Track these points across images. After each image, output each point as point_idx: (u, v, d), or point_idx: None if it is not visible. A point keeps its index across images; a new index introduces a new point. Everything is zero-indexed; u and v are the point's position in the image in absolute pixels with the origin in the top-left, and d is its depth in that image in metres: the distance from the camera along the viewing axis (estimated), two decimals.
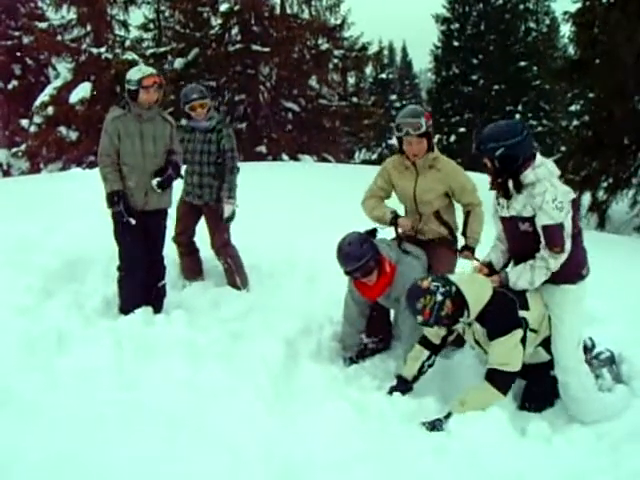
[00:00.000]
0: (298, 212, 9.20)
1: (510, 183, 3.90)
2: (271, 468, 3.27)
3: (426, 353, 4.29)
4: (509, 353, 3.84)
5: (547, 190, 3.77)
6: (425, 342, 4.31)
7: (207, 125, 5.81)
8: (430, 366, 4.31)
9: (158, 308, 5.33)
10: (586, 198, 14.97)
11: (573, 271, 3.98)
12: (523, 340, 3.88)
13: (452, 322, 4.00)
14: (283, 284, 6.01)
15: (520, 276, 3.93)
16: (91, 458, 3.23)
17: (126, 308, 5.14)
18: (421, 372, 4.29)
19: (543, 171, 3.85)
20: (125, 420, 3.57)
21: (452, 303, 3.92)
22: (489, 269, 4.21)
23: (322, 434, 3.58)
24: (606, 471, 3.37)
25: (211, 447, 3.39)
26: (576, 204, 4.00)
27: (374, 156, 35.26)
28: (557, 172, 3.93)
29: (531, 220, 3.87)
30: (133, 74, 5.15)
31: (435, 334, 4.28)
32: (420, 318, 3.95)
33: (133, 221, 5.08)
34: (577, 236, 3.96)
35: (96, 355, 4.30)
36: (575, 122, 17.59)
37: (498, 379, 3.83)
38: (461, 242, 4.85)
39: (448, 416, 3.83)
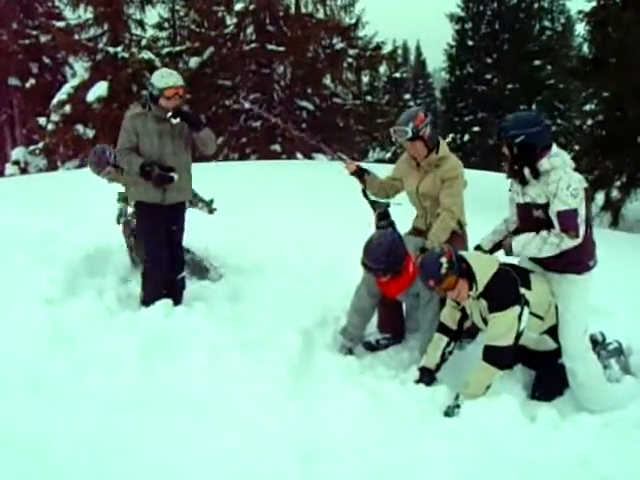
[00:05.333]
0: (313, 208, 9.32)
1: (526, 170, 4.02)
2: (291, 450, 3.40)
3: (445, 339, 4.39)
4: (502, 328, 3.99)
5: (561, 178, 3.90)
6: (443, 328, 4.42)
7: None
8: (450, 353, 4.42)
9: (178, 300, 5.42)
10: (600, 197, 14.97)
11: (581, 261, 4.10)
12: (521, 317, 4.01)
13: (468, 284, 4.11)
14: (300, 277, 6.12)
15: (530, 242, 4.03)
16: (118, 441, 3.37)
17: (148, 300, 5.25)
18: (443, 360, 4.40)
19: (558, 161, 3.98)
20: (149, 405, 3.71)
21: (461, 277, 4.08)
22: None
23: (339, 419, 3.72)
24: (612, 457, 3.46)
25: (233, 431, 3.52)
26: (588, 194, 4.11)
27: (388, 155, 35.25)
28: (571, 163, 4.06)
29: (544, 207, 3.99)
30: (157, 80, 5.13)
31: (451, 318, 4.40)
32: (444, 259, 4.02)
33: (176, 176, 5.14)
34: (586, 228, 4.06)
35: (119, 345, 4.39)
36: (589, 121, 17.54)
37: (491, 354, 4.00)
38: (471, 239, 4.92)
39: (457, 398, 3.98)
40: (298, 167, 16.46)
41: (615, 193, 14.84)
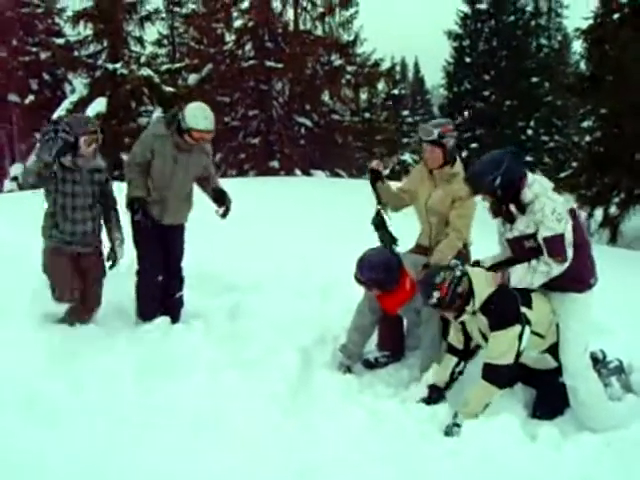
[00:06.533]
0: (311, 225, 9.31)
1: (512, 207, 4.06)
2: (289, 469, 3.38)
3: (454, 359, 4.38)
4: (503, 347, 3.97)
5: (545, 204, 3.94)
6: (451, 349, 4.41)
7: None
8: (460, 373, 4.40)
9: (176, 318, 5.40)
10: (598, 213, 15.00)
11: (582, 279, 4.11)
12: (521, 337, 3.98)
13: (462, 305, 4.08)
14: (299, 294, 6.09)
15: (522, 278, 4.04)
16: (115, 461, 3.34)
17: (145, 311, 5.25)
18: (452, 379, 4.38)
19: (538, 187, 4.02)
20: (146, 424, 3.69)
21: (453, 304, 4.08)
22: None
23: (338, 437, 3.69)
24: (614, 476, 3.44)
25: (231, 450, 3.51)
26: (574, 213, 4.16)
27: (386, 172, 35.36)
28: (550, 185, 4.10)
29: (535, 236, 4.02)
30: (190, 118, 5.02)
31: (457, 339, 4.38)
32: (437, 294, 4.03)
33: (149, 224, 5.15)
34: (584, 246, 4.10)
35: (117, 363, 4.38)
36: (587, 138, 17.63)
37: (490, 373, 3.98)
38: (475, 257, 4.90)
39: (455, 416, 3.95)
40: (297, 183, 16.47)
41: (613, 209, 14.87)
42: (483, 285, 4.09)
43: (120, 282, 5.71)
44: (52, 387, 3.97)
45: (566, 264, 3.95)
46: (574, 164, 18.03)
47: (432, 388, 4.34)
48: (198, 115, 5.07)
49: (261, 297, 5.95)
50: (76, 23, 20.62)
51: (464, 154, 32.24)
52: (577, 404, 4.09)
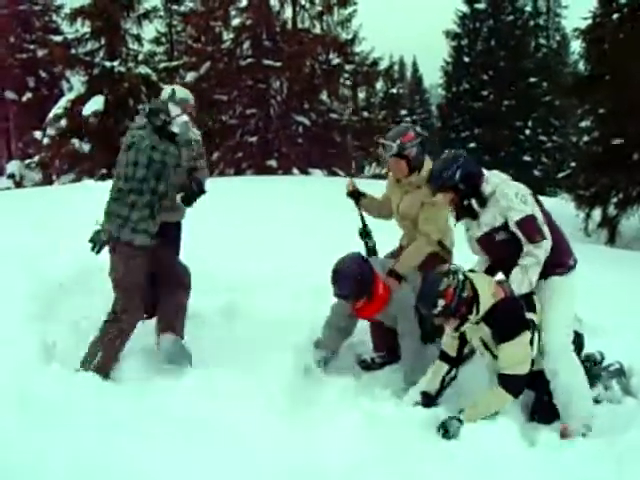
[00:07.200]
0: (309, 224, 9.27)
1: (474, 201, 4.06)
2: (284, 471, 3.34)
3: (445, 367, 4.28)
4: (518, 356, 3.87)
5: (507, 190, 3.98)
6: (443, 356, 4.31)
7: None
8: (452, 379, 4.31)
9: None
10: (597, 214, 14.98)
11: (562, 262, 4.06)
12: (531, 342, 3.91)
13: (466, 313, 3.93)
14: (294, 294, 6.04)
15: (522, 282, 3.94)
16: (110, 463, 3.31)
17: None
18: (443, 386, 4.29)
19: (495, 179, 4.08)
20: (140, 424, 3.65)
21: (453, 316, 3.94)
22: None
23: (334, 440, 3.64)
24: None
25: (225, 450, 3.47)
26: (536, 197, 4.14)
27: (384, 170, 35.30)
28: (507, 177, 4.15)
29: (504, 228, 4.00)
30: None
31: (451, 346, 4.28)
32: (442, 302, 3.85)
33: None
34: (554, 229, 4.07)
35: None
36: (585, 138, 17.61)
37: (509, 383, 3.87)
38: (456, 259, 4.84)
39: (460, 412, 3.88)
40: (294, 182, 16.42)
41: (612, 210, 14.85)
42: (487, 291, 3.95)
43: None
44: (45, 389, 3.91)
45: (548, 242, 3.91)
46: (572, 164, 17.99)
47: (423, 395, 4.26)
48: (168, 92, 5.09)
49: (257, 297, 5.90)
50: (73, 20, 20.50)
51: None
52: (557, 387, 3.98)
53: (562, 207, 15.76)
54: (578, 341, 4.24)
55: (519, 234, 3.93)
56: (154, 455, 3.39)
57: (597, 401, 4.26)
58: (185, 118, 4.65)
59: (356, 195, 5.15)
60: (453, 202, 4.14)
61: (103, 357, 4.34)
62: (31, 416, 3.64)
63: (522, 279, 3.94)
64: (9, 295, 5.12)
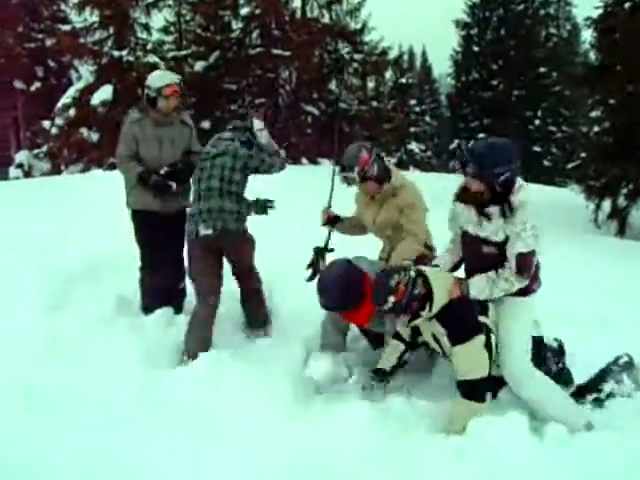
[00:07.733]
0: (314, 217, 9.22)
1: (495, 208, 3.72)
2: (290, 466, 3.33)
3: (402, 347, 4.21)
4: (471, 360, 3.75)
5: (529, 218, 3.64)
6: (398, 337, 4.23)
7: None
8: (406, 362, 4.26)
9: (178, 309, 5.34)
10: (606, 205, 14.90)
11: (527, 287, 3.87)
12: (489, 345, 3.78)
13: (418, 309, 3.81)
14: (301, 286, 6.02)
15: (481, 291, 3.79)
16: (117, 457, 3.31)
17: (147, 306, 5.20)
18: (400, 364, 4.23)
19: (524, 195, 3.69)
20: (146, 417, 3.66)
21: (404, 313, 3.83)
22: None
23: (339, 435, 3.61)
24: (623, 475, 3.35)
25: (229, 446, 3.46)
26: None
27: (393, 160, 35.22)
28: (531, 193, 3.76)
29: (499, 245, 3.76)
30: (153, 81, 5.09)
31: (404, 332, 4.20)
32: (392, 299, 3.74)
33: (174, 185, 5.08)
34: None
35: (119, 355, 4.36)
36: (595, 128, 17.50)
37: (467, 390, 3.76)
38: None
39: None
40: (303, 172, 16.38)
41: (622, 201, 14.76)
42: (443, 289, 3.83)
43: (123, 275, 5.67)
44: (53, 380, 3.94)
45: (526, 282, 3.77)
46: (582, 155, 17.89)
47: (377, 371, 4.21)
48: (160, 74, 5.33)
49: (265, 289, 5.89)
50: (82, 9, 20.54)
51: (471, 144, 32.22)
52: (537, 410, 3.89)
53: (572, 198, 15.72)
54: (538, 349, 4.10)
55: (512, 261, 3.71)
56: (159, 449, 3.39)
57: (612, 395, 4.19)
58: (266, 132, 5.27)
59: (332, 222, 5.03)
60: (477, 197, 3.77)
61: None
62: (37, 409, 3.65)
63: (483, 289, 3.79)
64: (18, 286, 5.14)
